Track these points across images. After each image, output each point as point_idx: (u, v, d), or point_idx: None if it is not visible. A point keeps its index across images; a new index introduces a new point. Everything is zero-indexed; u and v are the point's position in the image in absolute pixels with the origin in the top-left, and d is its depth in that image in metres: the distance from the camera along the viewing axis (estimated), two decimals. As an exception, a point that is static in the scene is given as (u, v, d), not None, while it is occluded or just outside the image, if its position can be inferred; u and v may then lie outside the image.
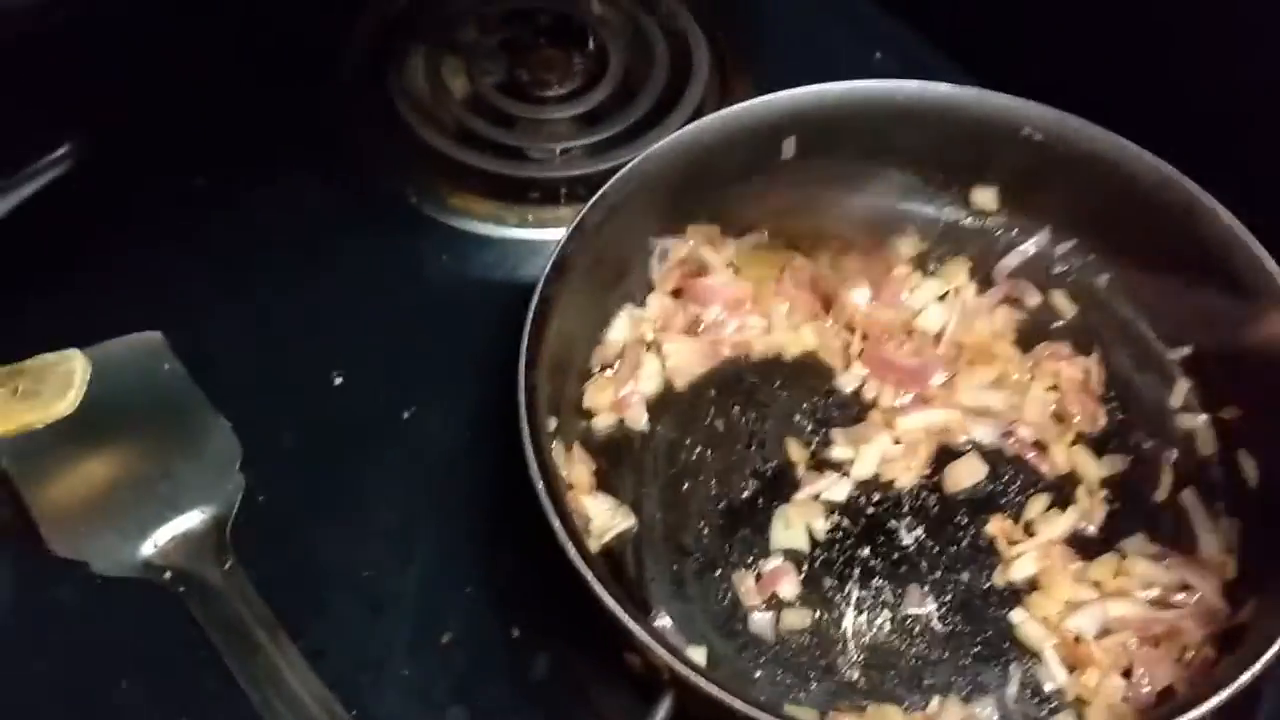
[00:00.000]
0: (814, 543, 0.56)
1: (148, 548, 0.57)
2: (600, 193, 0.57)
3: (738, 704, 0.45)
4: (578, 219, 0.57)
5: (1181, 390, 0.59)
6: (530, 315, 0.53)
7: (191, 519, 0.57)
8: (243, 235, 0.67)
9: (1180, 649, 0.52)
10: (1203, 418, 0.58)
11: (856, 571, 0.55)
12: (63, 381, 0.42)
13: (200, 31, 0.68)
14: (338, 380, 0.63)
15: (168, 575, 0.56)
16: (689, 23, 0.76)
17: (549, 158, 0.70)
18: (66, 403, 0.42)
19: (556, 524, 0.48)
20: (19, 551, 0.56)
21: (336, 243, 0.68)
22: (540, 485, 0.49)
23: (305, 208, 0.69)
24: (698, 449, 0.59)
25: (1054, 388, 0.60)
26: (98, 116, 0.61)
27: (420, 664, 0.55)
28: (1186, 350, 0.60)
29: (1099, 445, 0.59)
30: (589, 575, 0.47)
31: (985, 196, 0.64)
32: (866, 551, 0.56)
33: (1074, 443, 0.58)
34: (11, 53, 0.51)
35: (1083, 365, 0.60)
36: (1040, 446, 0.59)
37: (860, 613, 0.54)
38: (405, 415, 0.62)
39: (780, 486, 0.58)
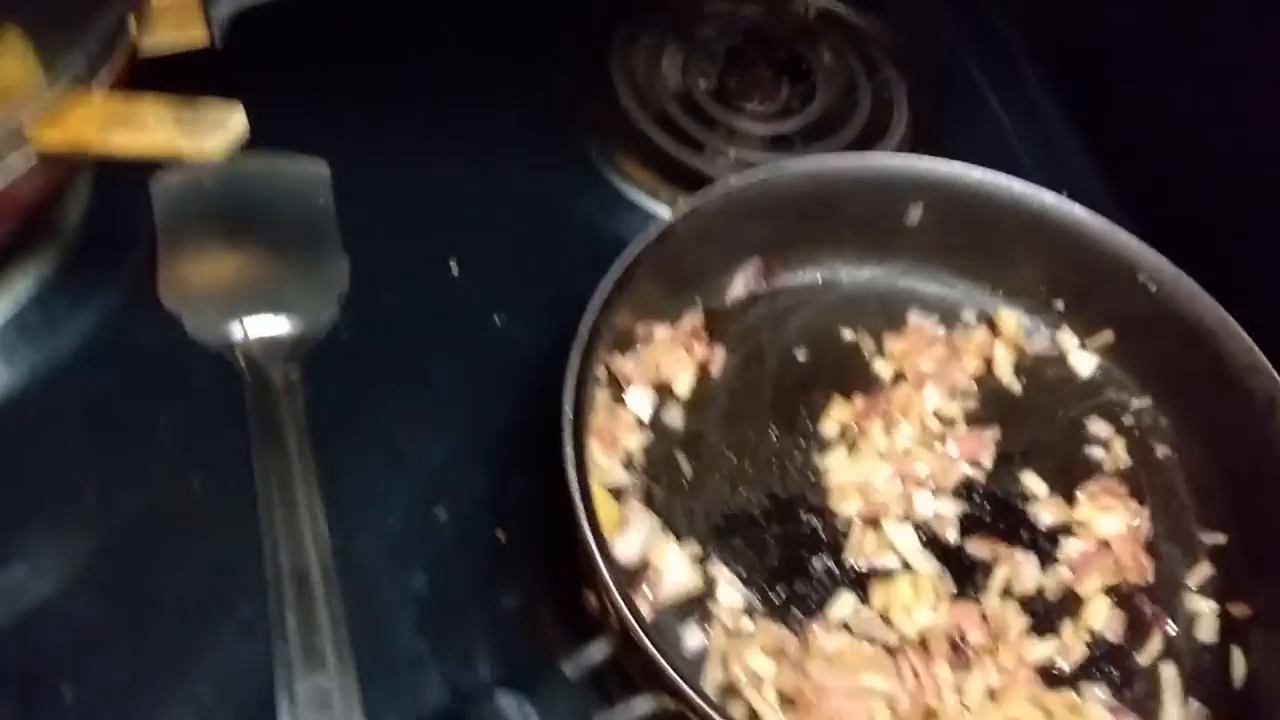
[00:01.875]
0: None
1: (236, 330, 0.62)
2: (706, 197, 0.60)
3: (665, 667, 0.46)
4: (685, 209, 0.60)
5: (1202, 573, 0.59)
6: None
7: (282, 324, 0.63)
8: (437, 113, 0.73)
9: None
10: (1212, 605, 0.58)
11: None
12: (218, 124, 0.47)
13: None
14: (454, 268, 0.68)
15: (241, 359, 0.61)
16: (899, 95, 0.80)
17: (724, 159, 0.74)
18: (214, 144, 0.47)
19: (568, 450, 0.51)
20: (132, 288, 0.63)
21: (512, 161, 0.73)
22: (568, 416, 0.51)
23: (500, 128, 0.74)
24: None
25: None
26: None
27: (409, 524, 0.58)
28: (1220, 539, 0.59)
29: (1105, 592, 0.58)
30: (577, 497, 0.50)
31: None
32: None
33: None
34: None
35: (1135, 512, 0.60)
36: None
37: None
38: (497, 320, 0.66)
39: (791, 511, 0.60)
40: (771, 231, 0.65)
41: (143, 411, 0.60)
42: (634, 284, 0.58)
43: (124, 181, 0.65)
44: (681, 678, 0.46)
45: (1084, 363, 0.66)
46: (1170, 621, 0.57)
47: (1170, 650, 0.57)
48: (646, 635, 0.47)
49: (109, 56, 0.51)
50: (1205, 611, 0.58)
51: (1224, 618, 0.57)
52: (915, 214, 0.65)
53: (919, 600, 0.56)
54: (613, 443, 0.59)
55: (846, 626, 0.55)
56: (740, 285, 0.66)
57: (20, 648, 0.52)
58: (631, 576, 0.55)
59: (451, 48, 0.76)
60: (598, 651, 0.50)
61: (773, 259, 0.66)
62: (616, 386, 0.61)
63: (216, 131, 0.46)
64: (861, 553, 0.58)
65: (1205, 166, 0.77)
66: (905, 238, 0.66)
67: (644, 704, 0.48)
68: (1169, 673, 0.56)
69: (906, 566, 0.58)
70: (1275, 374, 0.58)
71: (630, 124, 0.75)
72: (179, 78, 0.60)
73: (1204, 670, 0.56)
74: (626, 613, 0.48)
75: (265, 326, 0.63)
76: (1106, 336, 0.65)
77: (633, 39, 0.79)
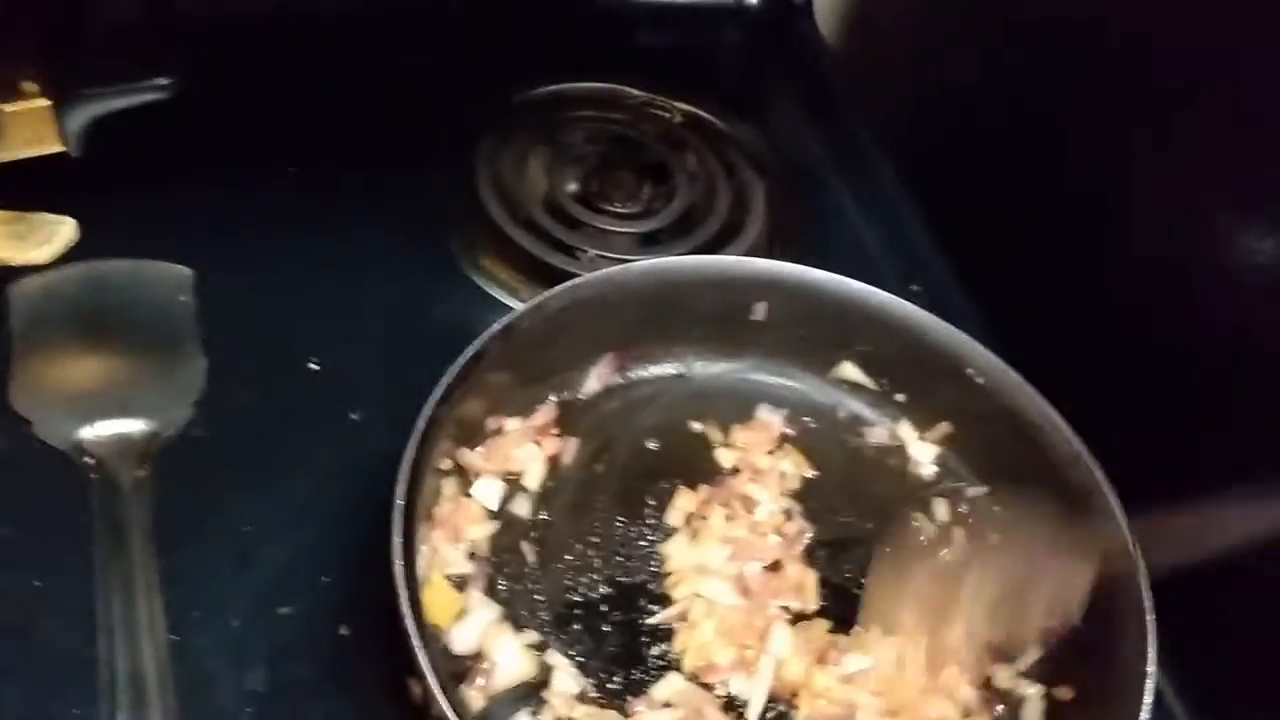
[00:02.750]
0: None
1: (86, 432, 0.63)
2: (552, 292, 0.63)
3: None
4: (530, 304, 0.62)
5: (1030, 657, 0.60)
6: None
7: (133, 425, 0.63)
8: (298, 218, 0.75)
9: None
10: (1038, 688, 0.59)
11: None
12: (48, 236, 0.49)
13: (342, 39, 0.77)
14: (313, 366, 0.69)
15: (88, 460, 0.62)
16: (756, 195, 0.83)
17: (585, 258, 0.76)
18: (43, 253, 0.48)
19: (396, 540, 0.52)
20: (-15, 392, 0.64)
21: (377, 261, 0.75)
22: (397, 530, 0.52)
23: (365, 229, 0.76)
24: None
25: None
26: (214, 64, 0.69)
27: (252, 623, 0.58)
28: (1049, 623, 0.60)
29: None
30: (401, 585, 0.50)
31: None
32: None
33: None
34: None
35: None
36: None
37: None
38: (354, 417, 0.68)
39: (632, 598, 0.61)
40: (623, 327, 0.67)
41: (-15, 517, 0.60)
42: (480, 377, 0.60)
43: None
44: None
45: (923, 453, 0.68)
46: (1000, 706, 0.59)
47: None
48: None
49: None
50: (1032, 695, 0.59)
51: (1049, 700, 0.59)
52: (760, 311, 0.67)
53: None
54: (457, 533, 0.60)
55: (668, 704, 0.56)
56: (595, 379, 0.68)
57: None
58: (467, 666, 0.55)
59: (318, 149, 0.78)
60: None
61: (626, 353, 0.68)
62: (465, 478, 0.63)
63: (46, 242, 0.48)
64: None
65: (1054, 262, 0.81)
66: (753, 333, 0.69)
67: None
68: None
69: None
70: (1093, 464, 0.60)
71: (494, 225, 0.77)
72: (35, 183, 0.62)
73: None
74: (443, 702, 0.48)
75: (116, 427, 0.63)
76: (944, 428, 0.68)
77: (500, 144, 0.82)
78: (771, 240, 0.81)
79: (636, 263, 0.66)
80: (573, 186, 0.81)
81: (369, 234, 0.76)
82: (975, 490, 0.66)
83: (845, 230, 0.84)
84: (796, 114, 0.93)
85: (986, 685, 0.59)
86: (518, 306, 0.73)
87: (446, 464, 0.61)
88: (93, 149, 0.63)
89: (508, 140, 0.83)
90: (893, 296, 0.67)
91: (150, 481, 0.62)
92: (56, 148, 0.62)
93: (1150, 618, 0.55)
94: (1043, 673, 0.60)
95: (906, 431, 0.69)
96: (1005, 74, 0.88)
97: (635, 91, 0.89)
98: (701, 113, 0.89)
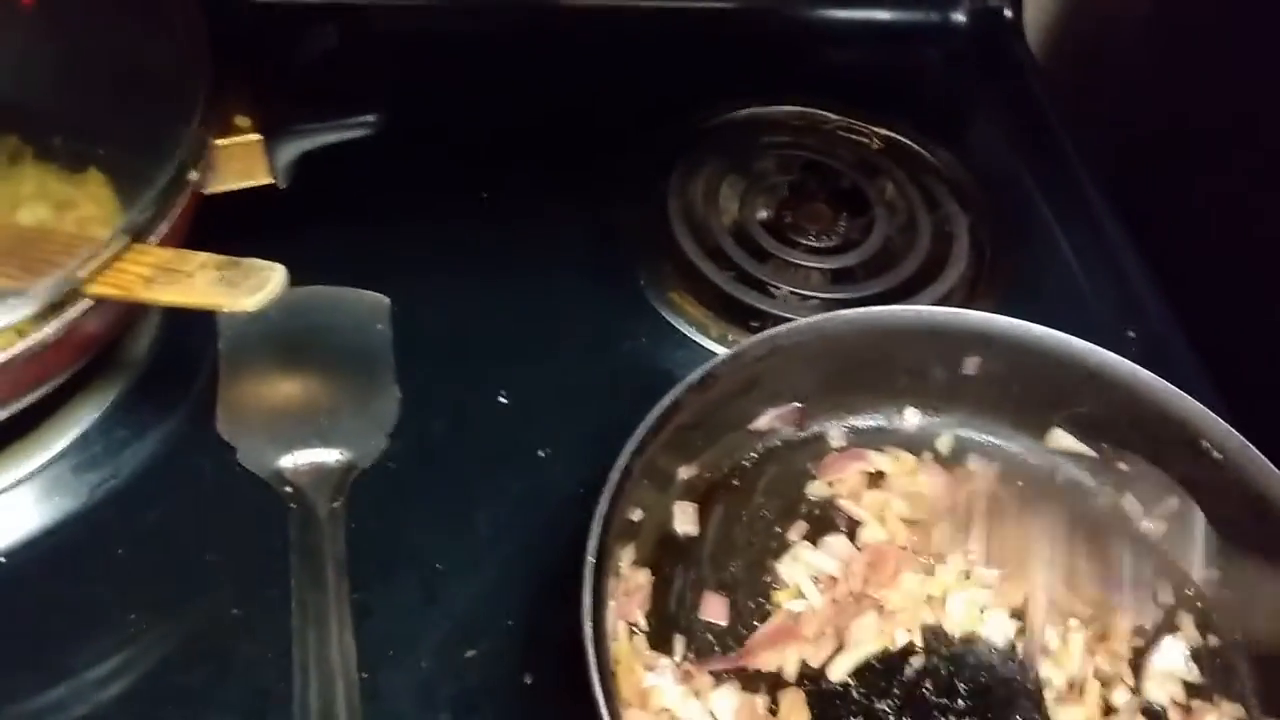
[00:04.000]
0: None
1: (286, 461, 0.64)
2: (751, 341, 0.60)
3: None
4: (729, 353, 0.60)
5: None
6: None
7: (330, 455, 0.64)
8: (491, 250, 0.75)
9: None
10: None
11: None
12: (259, 284, 0.49)
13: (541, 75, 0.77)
14: (502, 399, 0.69)
15: (287, 489, 0.63)
16: (961, 232, 0.79)
17: (777, 294, 0.74)
18: (253, 301, 0.49)
19: (587, 600, 0.51)
20: (192, 417, 0.65)
21: (566, 293, 0.75)
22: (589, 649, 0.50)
23: (555, 260, 0.76)
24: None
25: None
26: (416, 101, 0.70)
27: (439, 665, 0.58)
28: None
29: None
30: (590, 647, 0.49)
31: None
32: None
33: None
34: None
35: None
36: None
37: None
38: (541, 454, 0.67)
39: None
40: (821, 378, 0.64)
41: (191, 540, 0.61)
42: (673, 427, 0.58)
43: (194, 312, 0.68)
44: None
45: (1150, 528, 0.63)
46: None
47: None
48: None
49: (169, 209, 0.54)
50: None
51: None
52: (972, 366, 0.64)
53: None
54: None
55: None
56: (763, 422, 0.65)
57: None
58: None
59: (512, 180, 0.78)
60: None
61: (806, 407, 0.65)
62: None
63: (257, 290, 0.48)
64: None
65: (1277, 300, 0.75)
66: (963, 388, 0.65)
67: None
68: None
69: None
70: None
71: (683, 257, 0.75)
72: (246, 215, 0.63)
73: None
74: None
75: (315, 456, 0.64)
76: (1172, 504, 0.62)
77: (691, 172, 0.80)
78: (976, 278, 0.77)
79: (841, 312, 0.63)
80: (764, 215, 0.79)
81: (560, 265, 0.75)
82: (1203, 574, 0.61)
83: (1056, 267, 0.79)
84: (1004, 139, 0.88)
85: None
86: (707, 345, 0.72)
87: (638, 515, 0.59)
88: (300, 182, 0.64)
89: (699, 167, 0.81)
90: (1116, 356, 0.62)
91: (345, 513, 0.62)
92: (265, 180, 0.63)
93: None
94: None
95: (1131, 504, 0.64)
96: (1232, 94, 0.82)
97: (831, 115, 0.86)
98: (901, 138, 0.85)
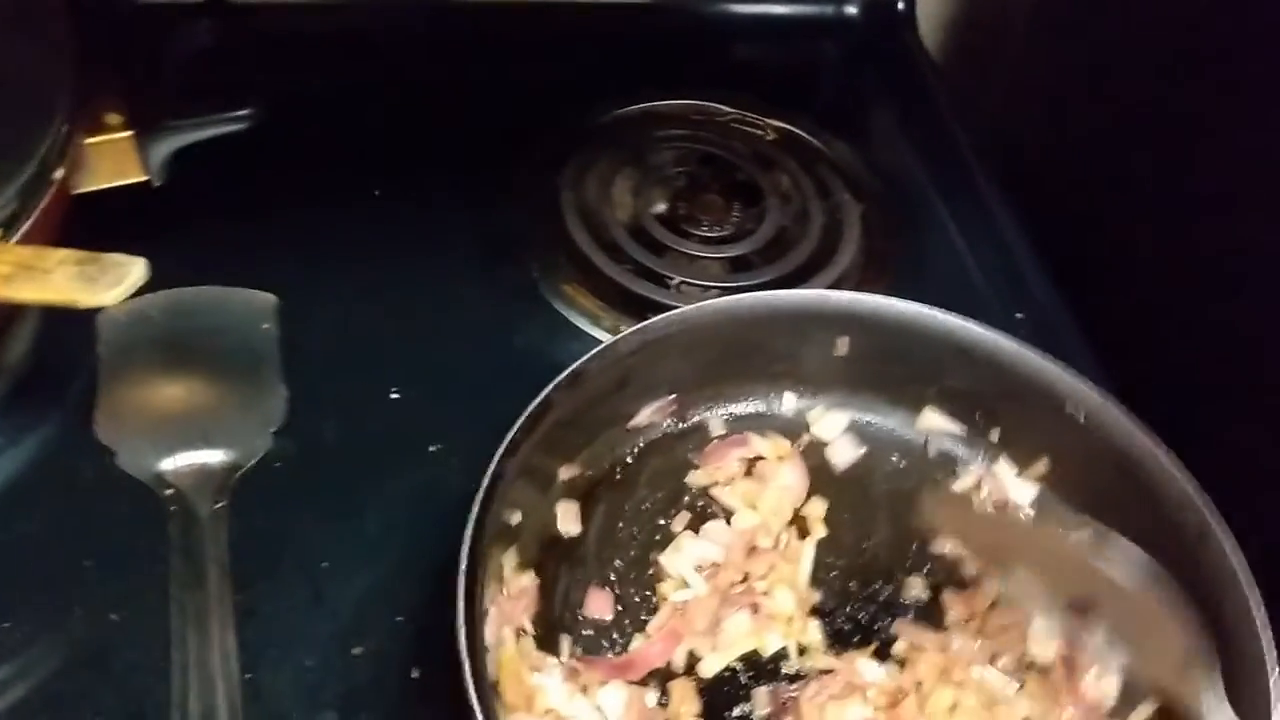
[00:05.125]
0: None
1: (167, 463, 0.63)
2: (621, 336, 0.60)
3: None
4: (597, 350, 0.59)
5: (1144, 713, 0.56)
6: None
7: (213, 456, 0.63)
8: (380, 245, 0.74)
9: None
10: None
11: None
12: (118, 278, 0.48)
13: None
14: (394, 395, 0.68)
15: (169, 491, 0.62)
16: (854, 220, 0.80)
17: (670, 285, 0.74)
18: (112, 295, 0.48)
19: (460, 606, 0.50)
20: (71, 421, 0.64)
21: (459, 289, 0.74)
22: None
23: (447, 257, 0.75)
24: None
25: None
26: (293, 94, 0.69)
27: (325, 663, 0.58)
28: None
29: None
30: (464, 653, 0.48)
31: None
32: None
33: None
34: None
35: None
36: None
37: None
38: (433, 449, 0.66)
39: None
40: (695, 369, 0.64)
41: (68, 546, 0.60)
42: (548, 427, 0.57)
43: (74, 313, 0.67)
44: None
45: (1022, 492, 0.64)
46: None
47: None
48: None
49: (29, 207, 0.53)
50: None
51: None
52: (843, 346, 0.64)
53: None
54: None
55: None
56: (644, 416, 0.65)
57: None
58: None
59: (399, 175, 0.77)
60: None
61: (687, 397, 0.65)
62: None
63: (116, 284, 0.48)
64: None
65: (1170, 290, 0.77)
66: (836, 369, 0.65)
67: None
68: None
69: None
70: (1205, 506, 0.56)
71: (577, 250, 0.75)
72: (119, 214, 0.62)
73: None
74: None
75: (197, 457, 0.63)
76: (1043, 465, 0.64)
77: (586, 166, 0.80)
78: (867, 265, 0.78)
79: (708, 302, 0.63)
80: (660, 208, 0.79)
81: (451, 260, 0.75)
82: (1078, 534, 0.62)
83: (946, 254, 0.80)
84: (896, 131, 0.89)
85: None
86: (602, 337, 0.72)
87: (516, 518, 0.58)
88: (175, 179, 0.63)
89: (593, 161, 0.81)
90: (982, 328, 0.63)
91: (228, 514, 0.61)
92: (139, 178, 0.62)
93: (1274, 667, 0.51)
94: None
95: (1003, 469, 0.65)
96: (1118, 82, 0.83)
97: (726, 108, 0.86)
98: (796, 130, 0.86)
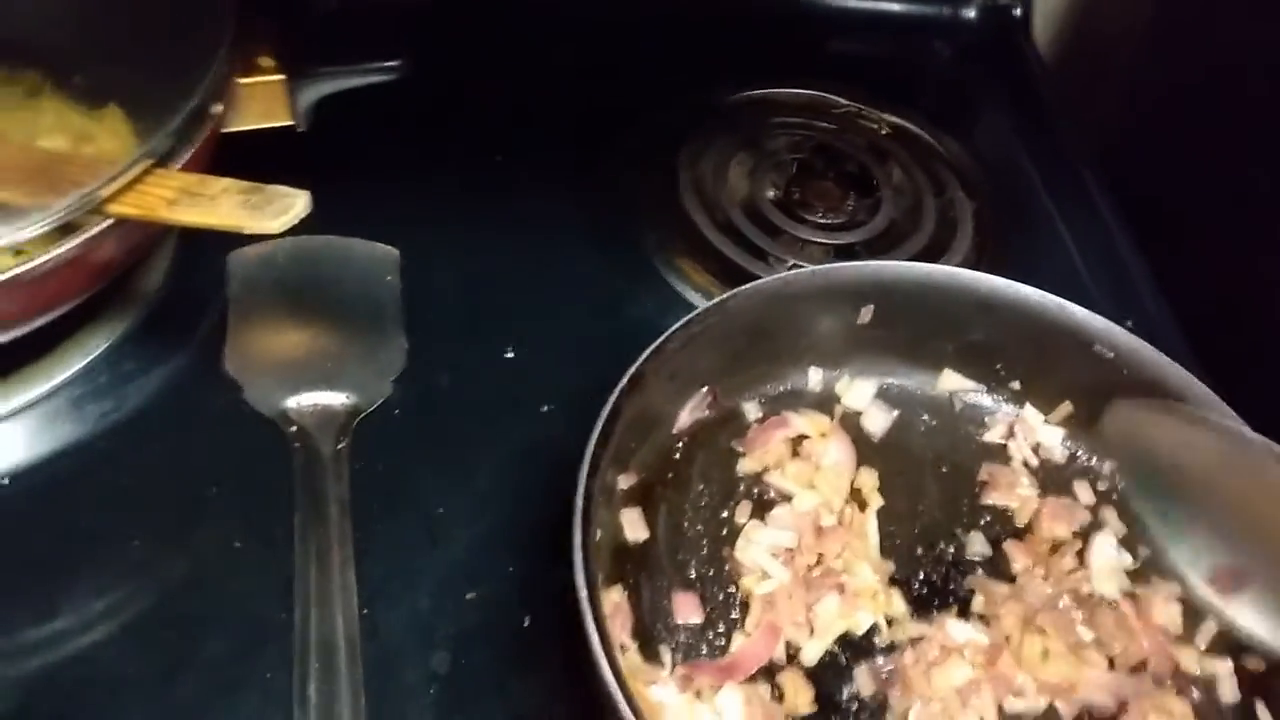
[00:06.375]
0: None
1: (292, 403, 0.64)
2: (668, 335, 0.61)
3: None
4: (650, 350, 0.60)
5: (1209, 631, 0.59)
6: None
7: (336, 399, 0.65)
8: (503, 207, 0.76)
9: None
10: (1226, 663, 0.58)
11: None
12: (284, 208, 0.50)
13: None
14: (508, 354, 0.69)
15: (293, 429, 0.63)
16: (965, 214, 0.80)
17: (782, 266, 0.75)
18: (278, 224, 0.49)
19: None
20: (200, 355, 0.66)
21: (575, 256, 0.75)
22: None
23: (566, 223, 0.77)
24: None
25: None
26: (438, 50, 0.71)
27: (438, 605, 0.59)
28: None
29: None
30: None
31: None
32: None
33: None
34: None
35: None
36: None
37: None
38: (544, 409, 0.68)
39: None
40: (728, 357, 0.64)
41: (194, 474, 0.62)
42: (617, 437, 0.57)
43: (205, 252, 0.69)
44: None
45: (1051, 434, 0.66)
46: (1194, 691, 0.57)
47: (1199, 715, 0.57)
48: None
49: (191, 139, 0.55)
50: (1222, 671, 0.57)
51: (1241, 673, 0.57)
52: (867, 315, 0.65)
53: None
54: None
55: None
56: (686, 416, 0.65)
57: (51, 696, 0.54)
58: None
59: (527, 142, 0.79)
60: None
61: (718, 386, 0.65)
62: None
63: (282, 214, 0.49)
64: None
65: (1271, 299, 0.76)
66: (860, 337, 0.66)
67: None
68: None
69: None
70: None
71: (692, 226, 0.76)
72: (264, 154, 0.64)
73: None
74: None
75: (320, 398, 0.65)
76: (1066, 408, 0.65)
77: (703, 147, 0.81)
78: (978, 261, 0.78)
79: (743, 287, 0.63)
80: (773, 193, 0.80)
81: (569, 230, 0.76)
82: (1110, 464, 0.64)
83: (1058, 255, 0.81)
84: (1008, 132, 0.89)
85: (1176, 672, 0.58)
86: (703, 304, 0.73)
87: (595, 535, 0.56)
88: (320, 125, 0.65)
89: (711, 143, 0.82)
90: (1004, 280, 0.64)
91: (349, 455, 0.63)
92: (286, 121, 0.63)
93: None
94: (1226, 646, 0.58)
95: (1032, 415, 0.66)
96: (1235, 92, 0.83)
97: (842, 100, 0.87)
98: (909, 125, 0.86)
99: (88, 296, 0.60)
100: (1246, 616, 0.58)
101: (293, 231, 0.61)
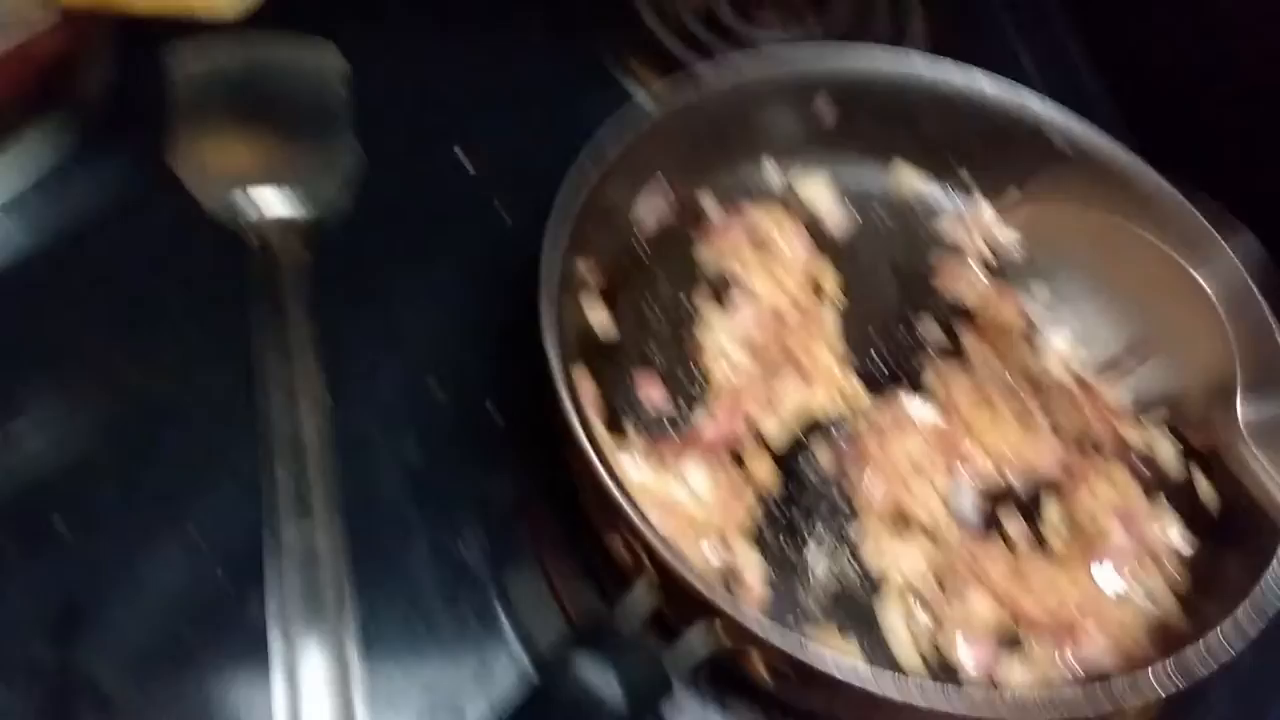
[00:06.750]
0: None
1: (248, 205, 0.64)
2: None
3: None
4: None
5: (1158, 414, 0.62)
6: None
7: (291, 203, 0.64)
8: (453, 11, 0.74)
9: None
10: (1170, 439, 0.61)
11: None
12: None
13: None
14: (460, 156, 0.69)
15: (250, 232, 0.63)
16: (913, 10, 0.80)
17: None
18: (229, 5, 0.48)
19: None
20: (148, 159, 0.64)
21: (527, 60, 0.74)
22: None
23: (517, 27, 0.76)
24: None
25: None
26: None
27: (404, 395, 0.60)
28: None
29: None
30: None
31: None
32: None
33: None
34: None
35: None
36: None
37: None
38: (499, 210, 0.68)
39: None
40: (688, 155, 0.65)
41: (151, 276, 0.62)
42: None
43: (145, 55, 0.67)
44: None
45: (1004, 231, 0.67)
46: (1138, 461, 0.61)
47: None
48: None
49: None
50: (1164, 446, 0.61)
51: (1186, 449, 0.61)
52: (821, 104, 0.66)
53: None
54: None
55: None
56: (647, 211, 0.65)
57: (16, 486, 0.55)
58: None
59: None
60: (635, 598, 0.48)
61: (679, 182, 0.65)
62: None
63: (236, -4, 0.47)
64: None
65: (1211, 81, 0.77)
66: (814, 129, 0.67)
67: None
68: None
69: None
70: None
71: (646, 31, 0.75)
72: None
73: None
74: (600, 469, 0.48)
75: (276, 205, 0.64)
76: (1013, 195, 0.67)
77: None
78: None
79: (692, 72, 0.63)
80: (728, -2, 0.79)
81: (524, 31, 0.75)
82: None
83: (1001, 49, 0.81)
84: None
85: (1122, 447, 0.61)
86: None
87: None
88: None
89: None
90: (956, 64, 0.65)
91: (307, 259, 0.62)
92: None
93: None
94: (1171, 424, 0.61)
95: (983, 209, 0.68)
96: None
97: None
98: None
99: (30, 97, 0.59)
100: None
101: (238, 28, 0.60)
